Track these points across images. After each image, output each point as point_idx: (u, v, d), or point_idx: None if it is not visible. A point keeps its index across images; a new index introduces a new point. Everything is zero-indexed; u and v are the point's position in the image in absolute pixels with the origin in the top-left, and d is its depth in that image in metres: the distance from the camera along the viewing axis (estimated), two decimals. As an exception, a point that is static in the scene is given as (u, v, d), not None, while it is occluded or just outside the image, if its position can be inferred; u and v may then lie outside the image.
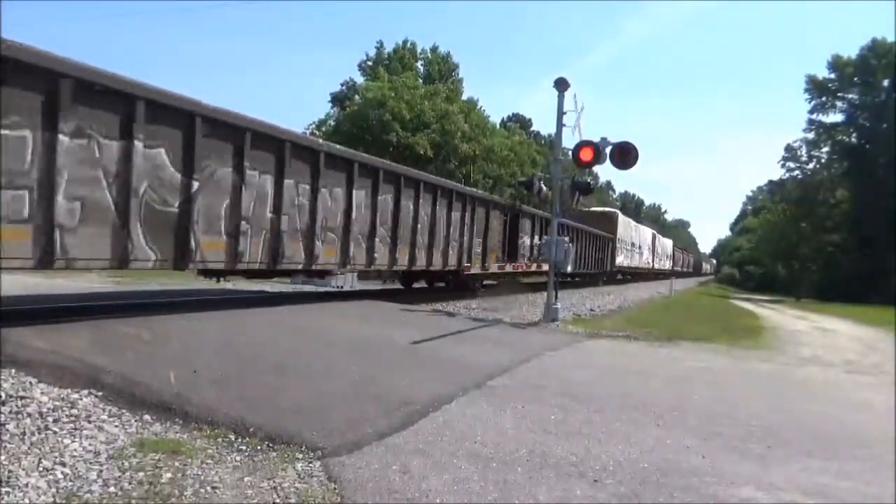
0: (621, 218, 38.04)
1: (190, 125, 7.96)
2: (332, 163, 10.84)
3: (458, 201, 15.67)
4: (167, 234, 7.81)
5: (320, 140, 13.55)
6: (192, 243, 8.10)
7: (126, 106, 7.14)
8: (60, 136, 6.43)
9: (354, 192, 11.38)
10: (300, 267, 10.68)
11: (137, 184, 7.32)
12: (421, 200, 13.68)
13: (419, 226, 13.69)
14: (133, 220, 7.28)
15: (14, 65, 5.99)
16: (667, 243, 61.17)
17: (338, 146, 12.01)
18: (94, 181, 6.91)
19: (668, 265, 58.10)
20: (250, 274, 10.74)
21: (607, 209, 42.02)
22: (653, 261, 48.76)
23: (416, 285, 17.56)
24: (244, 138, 8.83)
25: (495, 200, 19.48)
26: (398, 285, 18.32)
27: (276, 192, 9.54)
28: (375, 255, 12.25)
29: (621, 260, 36.40)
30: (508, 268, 19.20)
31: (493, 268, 18.11)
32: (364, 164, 11.91)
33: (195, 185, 8.07)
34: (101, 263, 7.44)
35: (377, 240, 12.24)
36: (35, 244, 6.34)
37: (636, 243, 41.87)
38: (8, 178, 6.03)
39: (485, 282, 19.45)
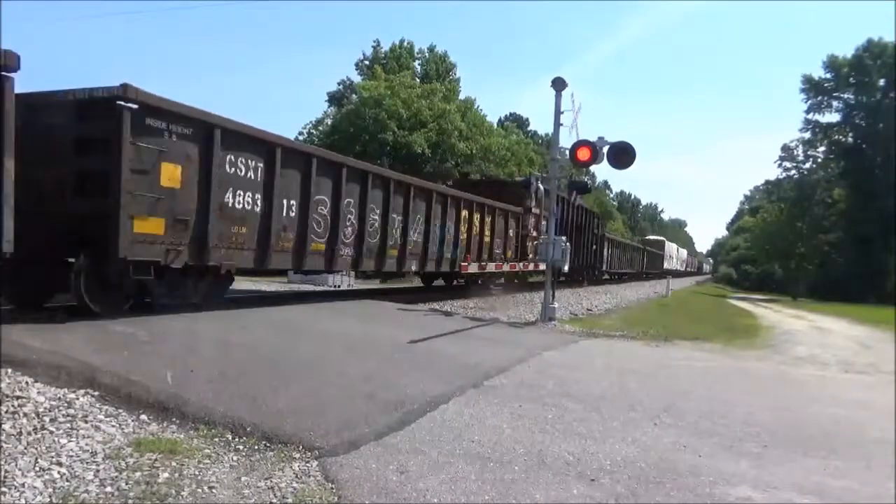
0: (667, 243, 69.43)
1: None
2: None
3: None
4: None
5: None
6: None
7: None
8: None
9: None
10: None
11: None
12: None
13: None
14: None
15: None
16: (684, 252, 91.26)
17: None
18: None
19: (684, 267, 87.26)
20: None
21: (660, 238, 72.21)
22: (678, 265, 76.99)
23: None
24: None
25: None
26: (395, 285, 18.35)
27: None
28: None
29: (666, 265, 63.99)
30: None
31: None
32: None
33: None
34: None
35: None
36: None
37: (672, 255, 71.34)
38: None
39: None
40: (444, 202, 15.27)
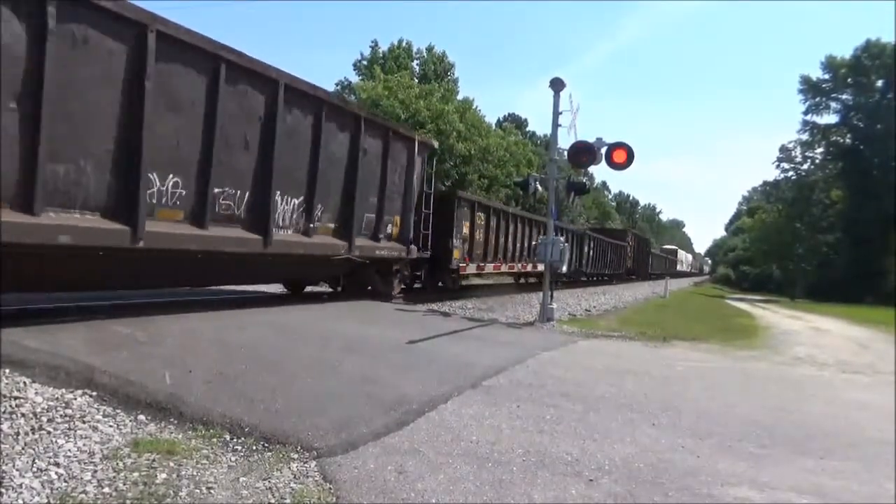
0: (679, 251, 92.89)
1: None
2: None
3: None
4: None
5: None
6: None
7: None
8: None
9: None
10: None
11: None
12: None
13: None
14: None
15: None
16: (689, 256, 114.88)
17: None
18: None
19: (690, 268, 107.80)
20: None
21: (673, 247, 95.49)
22: (686, 267, 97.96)
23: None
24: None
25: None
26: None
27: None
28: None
29: (678, 268, 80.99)
30: None
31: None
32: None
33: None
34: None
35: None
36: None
37: (682, 260, 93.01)
38: None
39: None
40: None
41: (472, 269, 17.10)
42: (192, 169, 7.92)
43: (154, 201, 7.44)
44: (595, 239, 32.79)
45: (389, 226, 12.70)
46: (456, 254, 16.08)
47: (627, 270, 42.01)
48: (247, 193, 8.87)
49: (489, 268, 17.93)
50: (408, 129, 14.45)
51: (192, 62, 7.73)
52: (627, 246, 42.01)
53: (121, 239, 7.00)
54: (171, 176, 7.64)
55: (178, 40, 7.46)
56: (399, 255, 13.10)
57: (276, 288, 14.01)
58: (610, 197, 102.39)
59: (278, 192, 9.37)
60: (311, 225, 10.24)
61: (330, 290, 13.97)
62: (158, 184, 7.48)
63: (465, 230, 16.75)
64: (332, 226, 10.89)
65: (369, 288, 13.29)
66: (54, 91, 6.12)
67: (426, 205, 13.98)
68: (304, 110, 9.76)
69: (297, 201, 9.89)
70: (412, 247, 13.43)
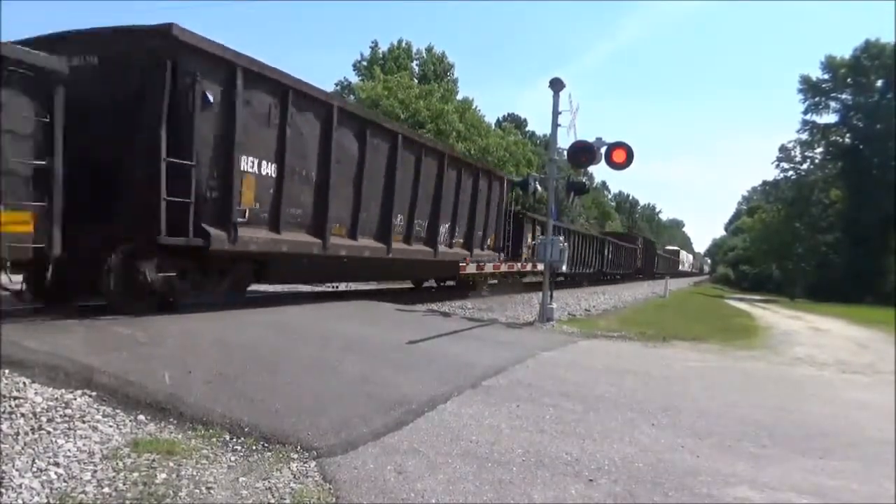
0: (681, 251, 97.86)
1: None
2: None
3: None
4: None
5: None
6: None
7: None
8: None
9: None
10: None
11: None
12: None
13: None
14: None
15: None
16: (691, 256, 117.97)
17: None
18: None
19: (691, 268, 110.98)
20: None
21: (675, 248, 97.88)
22: (688, 267, 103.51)
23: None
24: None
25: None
26: (393, 286, 18.45)
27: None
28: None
29: (681, 268, 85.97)
30: None
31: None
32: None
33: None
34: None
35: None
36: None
37: (684, 260, 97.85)
38: None
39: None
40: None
41: (529, 267, 20.73)
42: (406, 211, 13.64)
43: (394, 231, 13.02)
44: (613, 243, 39.32)
45: (489, 239, 18.28)
46: (524, 257, 21.31)
47: (637, 270, 48.03)
48: (426, 223, 14.56)
49: (539, 267, 20.52)
50: (500, 171, 21.19)
51: (414, 152, 13.68)
52: (638, 248, 48.70)
53: (383, 252, 12.74)
54: (399, 216, 13.34)
55: (415, 141, 13.85)
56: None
57: (270, 288, 14.00)
58: (609, 197, 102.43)
59: (439, 222, 14.98)
60: (452, 241, 15.96)
61: (436, 285, 18.89)
62: (395, 221, 13.04)
63: (529, 240, 21.96)
64: (461, 241, 16.55)
65: (472, 284, 18.41)
66: (365, 175, 11.76)
67: (508, 223, 19.52)
68: (455, 169, 15.70)
69: (446, 226, 15.54)
70: (501, 254, 19.02)
